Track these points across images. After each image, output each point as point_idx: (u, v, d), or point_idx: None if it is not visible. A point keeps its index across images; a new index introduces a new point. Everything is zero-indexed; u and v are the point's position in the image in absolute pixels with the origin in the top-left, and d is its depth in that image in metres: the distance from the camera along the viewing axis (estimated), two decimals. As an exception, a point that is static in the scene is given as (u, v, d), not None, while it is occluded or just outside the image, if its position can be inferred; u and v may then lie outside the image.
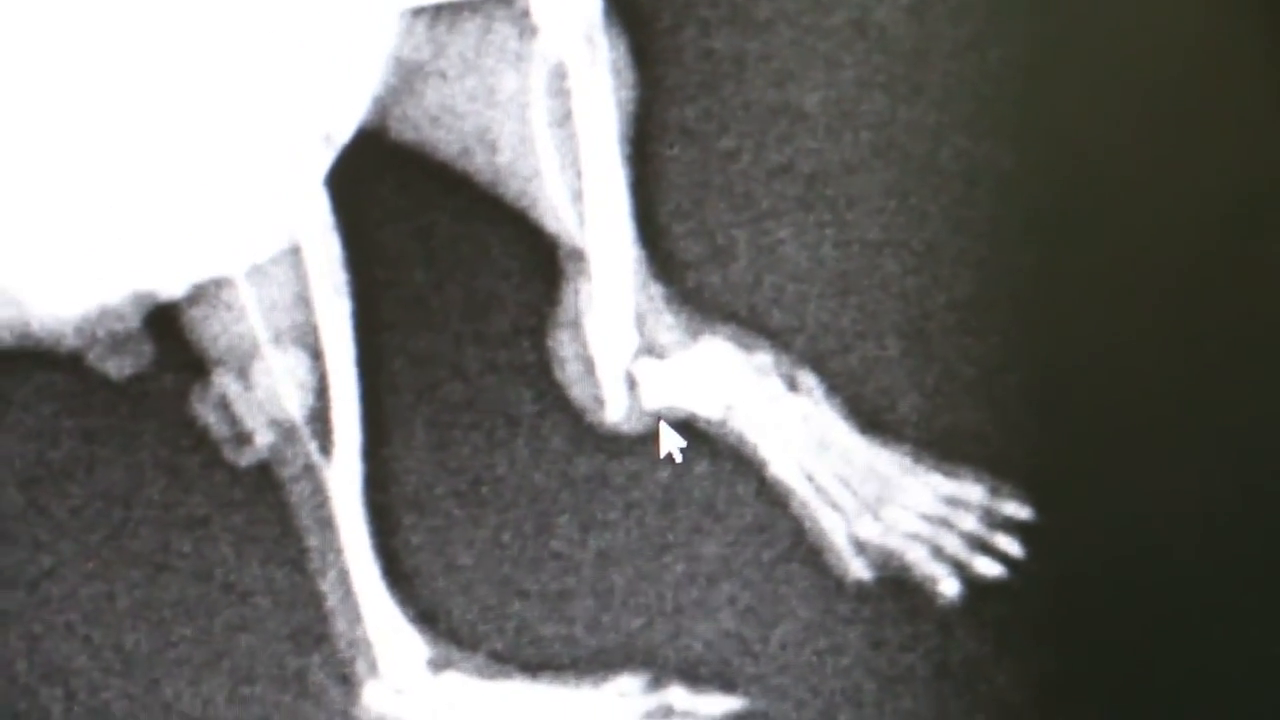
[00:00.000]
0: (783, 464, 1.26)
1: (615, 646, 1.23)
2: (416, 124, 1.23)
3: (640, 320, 1.26)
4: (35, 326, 1.18)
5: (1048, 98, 1.29)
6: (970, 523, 1.25)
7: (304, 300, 1.21)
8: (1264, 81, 1.29)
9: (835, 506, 1.25)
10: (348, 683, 1.22)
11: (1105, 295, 1.27)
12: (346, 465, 1.22)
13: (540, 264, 1.26)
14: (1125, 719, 1.23)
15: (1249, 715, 1.22)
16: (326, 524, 1.22)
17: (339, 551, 1.22)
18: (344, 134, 1.20)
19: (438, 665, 1.22)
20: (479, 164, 1.24)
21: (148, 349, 1.22)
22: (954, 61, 1.29)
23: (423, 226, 1.26)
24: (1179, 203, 1.27)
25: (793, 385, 1.26)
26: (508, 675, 1.23)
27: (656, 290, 1.26)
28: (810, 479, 1.25)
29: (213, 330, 1.21)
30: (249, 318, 1.20)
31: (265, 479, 1.23)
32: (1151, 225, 1.28)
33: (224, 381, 1.22)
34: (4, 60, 1.13)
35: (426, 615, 1.23)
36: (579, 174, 1.23)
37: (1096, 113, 1.29)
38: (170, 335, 1.22)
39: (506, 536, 1.24)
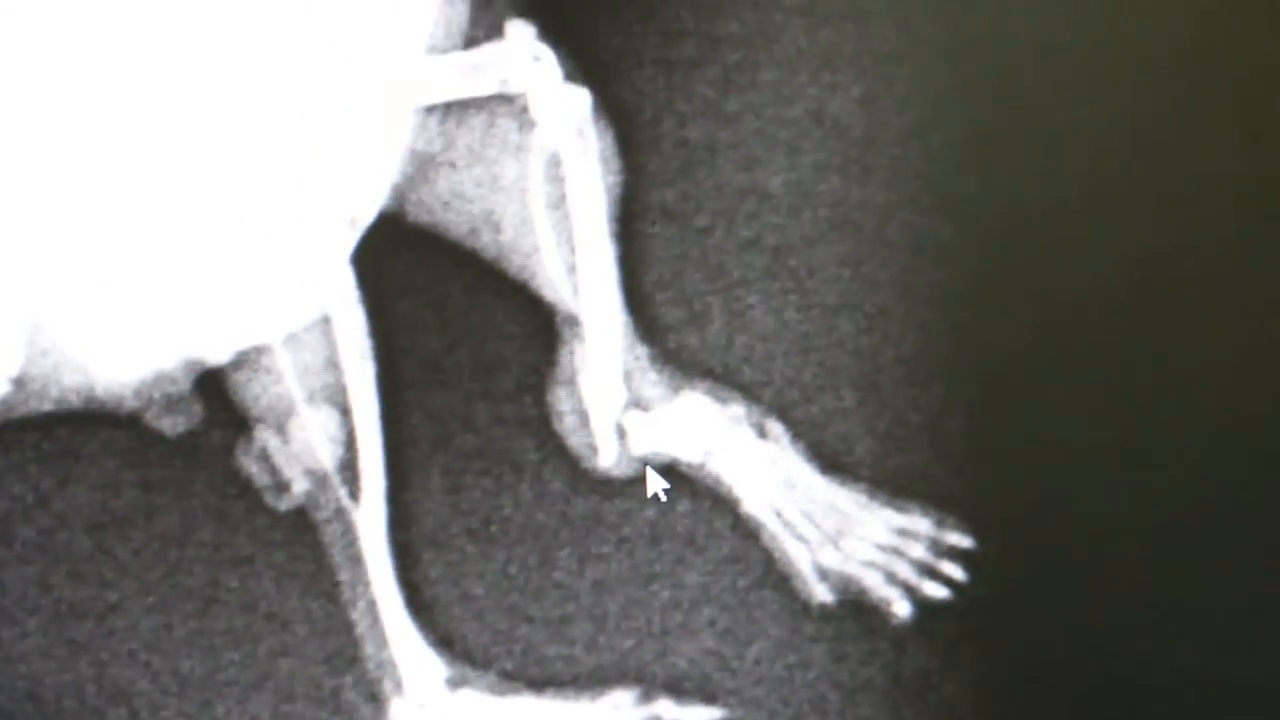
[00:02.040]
0: (754, 502, 1.29)
1: (610, 665, 1.26)
2: (430, 208, 1.25)
3: (628, 377, 1.28)
4: (99, 390, 1.20)
5: (984, 178, 1.30)
6: (919, 551, 1.28)
7: (333, 364, 1.23)
8: (1195, 138, 1.30)
9: (801, 538, 1.28)
10: (376, 700, 1.25)
11: (1035, 351, 1.29)
12: (373, 508, 1.24)
13: (540, 329, 1.28)
14: (1060, 722, 1.25)
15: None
16: (356, 560, 1.24)
17: (367, 584, 1.24)
18: (367, 217, 1.23)
19: (455, 683, 1.25)
20: (485, 242, 1.26)
21: (197, 409, 1.25)
22: (900, 147, 1.30)
23: (436, 298, 1.28)
24: (1102, 268, 1.29)
25: (762, 433, 1.29)
26: (516, 692, 1.25)
27: (642, 351, 1.29)
28: (779, 514, 1.28)
29: (254, 391, 1.24)
30: (286, 380, 1.22)
31: (302, 522, 1.25)
32: (1073, 295, 1.29)
33: (265, 436, 1.25)
34: (65, 149, 1.14)
35: (444, 639, 1.26)
36: (573, 250, 1.25)
37: (1030, 193, 1.30)
38: (217, 396, 1.24)
39: (513, 569, 1.27)
